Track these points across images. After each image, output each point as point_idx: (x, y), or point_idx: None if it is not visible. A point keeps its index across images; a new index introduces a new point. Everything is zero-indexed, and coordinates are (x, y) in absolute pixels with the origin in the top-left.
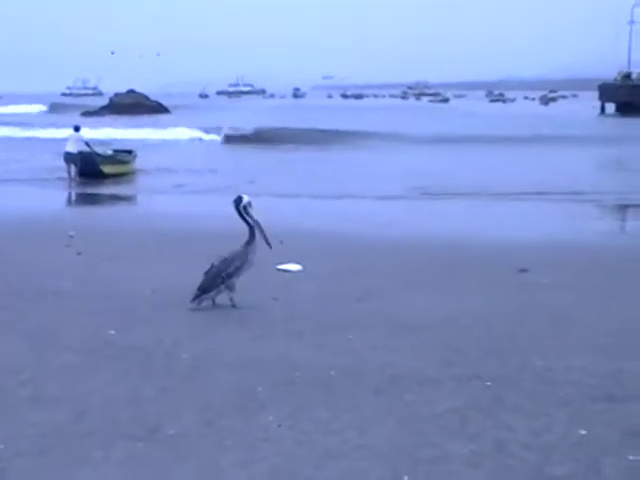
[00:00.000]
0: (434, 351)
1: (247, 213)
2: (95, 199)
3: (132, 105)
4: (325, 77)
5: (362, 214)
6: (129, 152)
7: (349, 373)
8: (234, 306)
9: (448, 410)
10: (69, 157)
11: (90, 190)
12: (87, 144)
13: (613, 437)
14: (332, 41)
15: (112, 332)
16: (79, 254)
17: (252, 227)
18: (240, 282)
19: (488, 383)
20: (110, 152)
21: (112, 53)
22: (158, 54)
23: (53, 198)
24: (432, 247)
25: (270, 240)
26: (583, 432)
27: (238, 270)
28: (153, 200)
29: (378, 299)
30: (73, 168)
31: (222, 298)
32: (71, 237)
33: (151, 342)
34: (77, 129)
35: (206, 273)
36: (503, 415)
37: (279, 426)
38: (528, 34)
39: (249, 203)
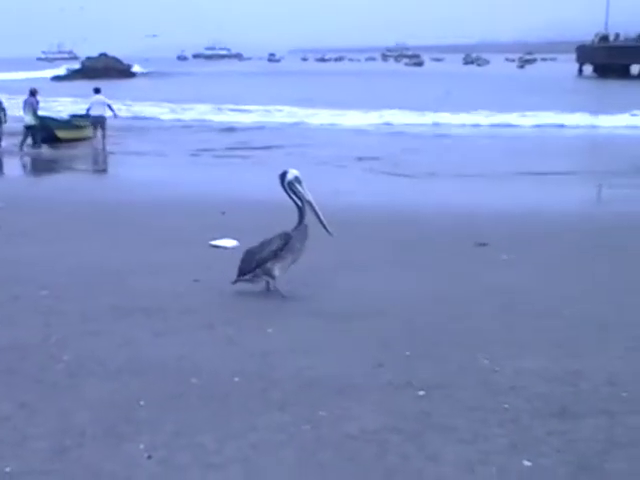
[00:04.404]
0: (363, 349)
1: (294, 191)
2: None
3: (104, 69)
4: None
5: None
6: (86, 117)
7: (256, 380)
8: (282, 295)
9: (365, 432)
10: (99, 120)
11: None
12: (110, 107)
13: (563, 472)
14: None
15: None
16: None
17: (301, 208)
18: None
19: (420, 392)
20: (66, 117)
21: (81, 8)
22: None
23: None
24: (388, 221)
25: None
26: (527, 464)
27: (275, 255)
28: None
29: (312, 282)
30: (100, 132)
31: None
32: None
33: (36, 339)
34: (98, 91)
35: (245, 253)
36: (431, 439)
37: (149, 457)
38: None
39: (296, 179)
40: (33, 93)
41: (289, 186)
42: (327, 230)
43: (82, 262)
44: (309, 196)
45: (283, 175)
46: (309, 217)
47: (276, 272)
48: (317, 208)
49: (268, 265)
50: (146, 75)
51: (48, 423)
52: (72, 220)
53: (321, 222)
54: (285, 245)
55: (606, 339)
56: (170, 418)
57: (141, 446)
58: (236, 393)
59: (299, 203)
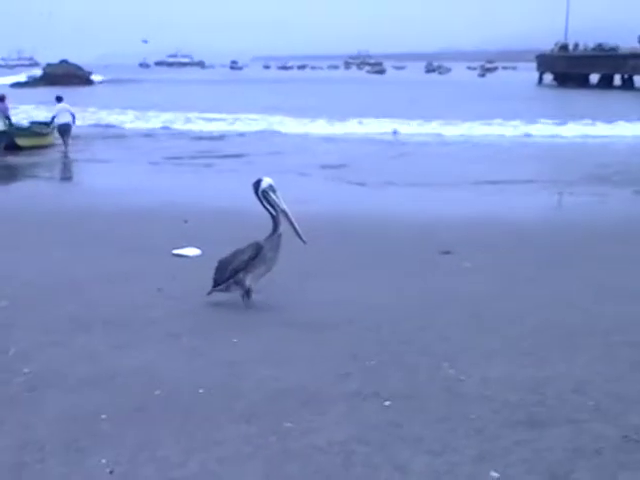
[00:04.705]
0: (330, 359)
1: (268, 199)
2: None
3: (65, 76)
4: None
5: None
6: (47, 124)
7: (221, 392)
8: (247, 306)
9: (332, 443)
10: (65, 127)
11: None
12: (72, 115)
13: None
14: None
15: None
16: None
17: (275, 217)
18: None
19: (387, 403)
20: (26, 124)
21: (49, 14)
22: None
23: None
24: (353, 229)
25: (303, 234)
26: (495, 475)
27: (247, 265)
28: None
29: (278, 291)
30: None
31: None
32: None
33: None
34: (60, 99)
35: (219, 263)
36: (398, 450)
37: (111, 472)
38: (467, 5)
39: (270, 187)
40: (2, 99)
41: (263, 195)
42: (301, 239)
43: (44, 271)
44: (283, 205)
45: (257, 183)
46: (283, 226)
47: (247, 282)
48: (292, 217)
49: (240, 275)
50: (108, 82)
51: (8, 437)
52: (34, 229)
53: (296, 231)
54: (257, 255)
55: (573, 347)
56: (132, 431)
57: (103, 461)
58: (201, 405)
59: (273, 212)
